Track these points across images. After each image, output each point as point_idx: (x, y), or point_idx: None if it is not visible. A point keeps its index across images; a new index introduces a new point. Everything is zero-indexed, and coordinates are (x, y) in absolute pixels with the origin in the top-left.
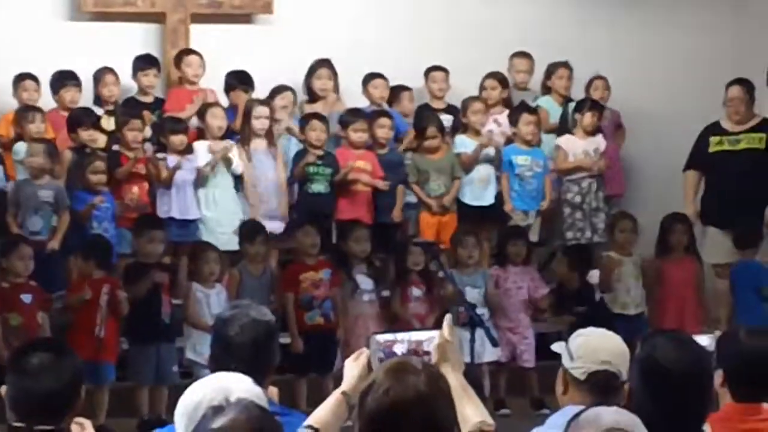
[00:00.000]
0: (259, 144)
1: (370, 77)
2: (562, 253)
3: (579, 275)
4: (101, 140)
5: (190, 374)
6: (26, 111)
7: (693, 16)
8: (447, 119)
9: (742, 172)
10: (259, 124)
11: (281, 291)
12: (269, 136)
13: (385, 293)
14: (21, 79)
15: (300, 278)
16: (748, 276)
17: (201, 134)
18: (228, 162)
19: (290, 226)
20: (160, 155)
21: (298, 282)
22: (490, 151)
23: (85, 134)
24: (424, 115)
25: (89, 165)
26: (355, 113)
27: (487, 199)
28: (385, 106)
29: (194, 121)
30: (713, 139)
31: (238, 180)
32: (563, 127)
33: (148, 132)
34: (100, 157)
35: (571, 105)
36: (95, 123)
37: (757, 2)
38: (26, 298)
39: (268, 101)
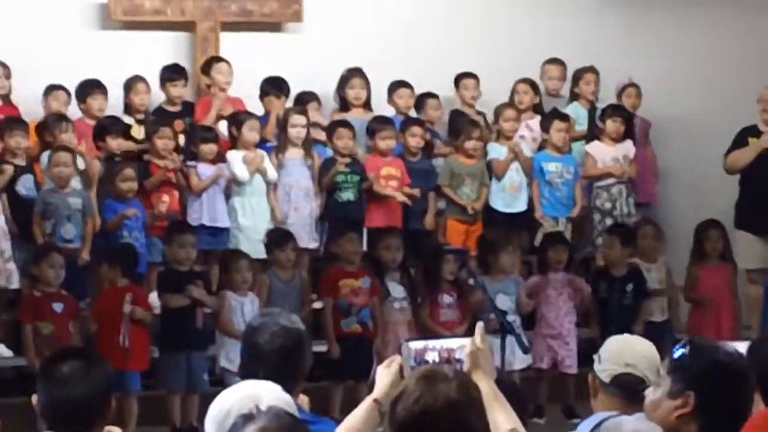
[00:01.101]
0: (294, 153)
1: (395, 86)
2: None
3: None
4: (128, 148)
5: (221, 382)
6: (58, 120)
7: (726, 21)
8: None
9: None
10: (295, 132)
11: (321, 294)
12: (305, 145)
13: (417, 301)
14: (52, 89)
15: (339, 284)
16: None
17: (233, 141)
18: (263, 171)
19: (321, 235)
20: (190, 163)
21: (338, 288)
22: (527, 151)
23: (114, 143)
24: (465, 119)
25: (119, 173)
26: (382, 121)
27: (519, 206)
28: (413, 114)
29: (223, 128)
30: (751, 141)
31: (269, 188)
32: (591, 134)
33: (180, 140)
34: (130, 165)
35: (598, 112)
36: (124, 131)
37: None
38: (58, 307)
39: (304, 109)
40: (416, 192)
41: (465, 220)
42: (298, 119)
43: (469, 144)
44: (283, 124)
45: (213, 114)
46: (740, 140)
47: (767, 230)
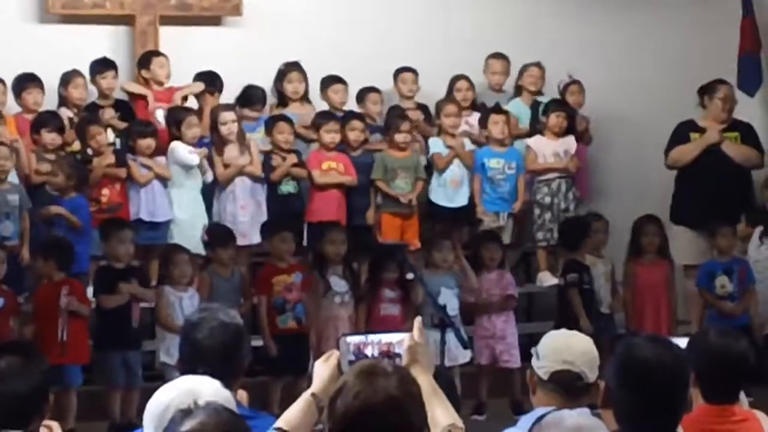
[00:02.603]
0: (231, 150)
1: (329, 81)
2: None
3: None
4: (74, 145)
5: (161, 377)
6: None
7: (667, 15)
8: (417, 115)
9: (720, 171)
10: (226, 129)
11: (254, 293)
12: (240, 137)
13: (358, 295)
14: None
15: (273, 281)
16: None
17: (173, 139)
18: (202, 168)
19: (262, 228)
20: (131, 157)
21: (271, 285)
22: (468, 145)
23: (48, 137)
24: (395, 113)
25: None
26: (326, 115)
27: (460, 200)
28: (354, 109)
29: (160, 117)
30: (693, 136)
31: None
32: (533, 128)
33: (110, 136)
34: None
35: (541, 107)
36: (60, 127)
37: (726, 3)
38: None
39: (232, 105)
40: (352, 179)
41: (399, 212)
42: (227, 116)
43: (399, 137)
44: (213, 124)
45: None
46: (679, 135)
47: (706, 225)
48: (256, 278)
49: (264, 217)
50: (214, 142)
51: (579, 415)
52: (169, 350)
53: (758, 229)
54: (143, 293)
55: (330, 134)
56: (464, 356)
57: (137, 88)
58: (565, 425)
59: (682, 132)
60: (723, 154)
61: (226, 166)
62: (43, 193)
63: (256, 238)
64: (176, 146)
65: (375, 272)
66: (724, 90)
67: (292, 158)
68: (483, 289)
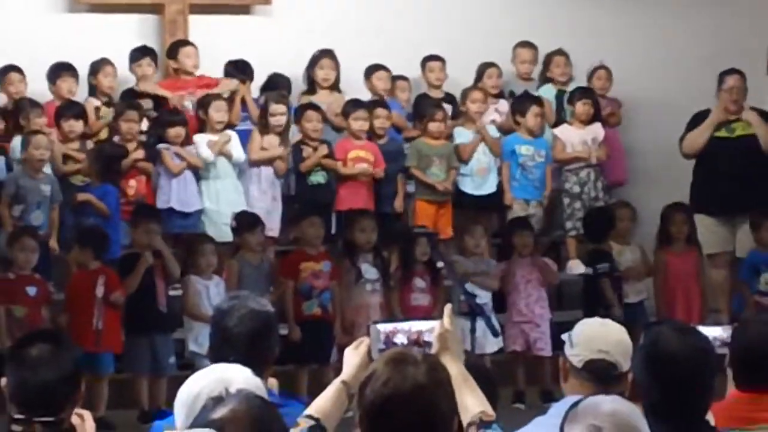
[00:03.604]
0: (273, 138)
1: (373, 69)
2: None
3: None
4: (104, 132)
5: (191, 365)
6: (32, 105)
7: (696, 4)
8: (446, 108)
9: (738, 158)
10: (276, 121)
11: (281, 277)
12: (285, 129)
13: (390, 283)
14: (5, 72)
15: (300, 267)
16: None
17: (201, 124)
18: (228, 155)
19: (290, 217)
20: (162, 146)
21: (298, 271)
22: (494, 133)
23: (66, 125)
24: (428, 101)
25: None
26: (355, 103)
27: (488, 188)
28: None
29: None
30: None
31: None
32: (559, 117)
33: (144, 125)
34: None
35: (565, 96)
36: (79, 114)
37: None
38: (31, 290)
39: (285, 97)
40: (380, 171)
41: (435, 200)
42: (278, 108)
43: (433, 126)
44: (263, 111)
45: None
46: (694, 124)
47: (724, 213)
48: (282, 263)
49: (278, 212)
50: (258, 124)
51: (614, 401)
52: (197, 339)
53: None
54: (161, 270)
55: (359, 122)
56: (493, 345)
57: (154, 89)
58: (600, 410)
59: (698, 121)
60: (740, 140)
61: (264, 149)
62: (68, 183)
63: (275, 231)
64: (198, 140)
65: (405, 260)
66: (729, 81)
67: (324, 149)
68: (517, 275)
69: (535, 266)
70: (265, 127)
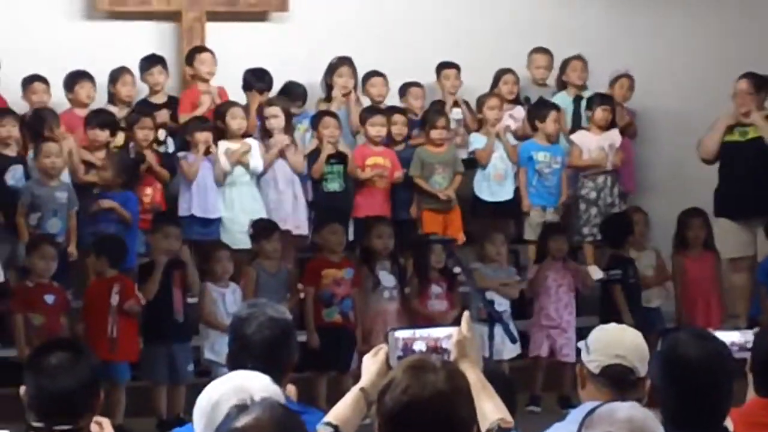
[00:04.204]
0: (280, 140)
1: (368, 75)
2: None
3: None
4: (119, 139)
5: (208, 373)
6: (52, 114)
7: (718, 10)
8: (457, 112)
9: (751, 161)
10: (269, 124)
11: (303, 284)
12: (288, 131)
13: (407, 290)
14: (30, 81)
15: (322, 274)
16: None
17: (220, 133)
18: (244, 163)
19: (309, 225)
20: (180, 154)
21: (320, 277)
22: (510, 139)
23: (91, 133)
24: (432, 108)
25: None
26: (372, 110)
27: (505, 195)
28: (396, 103)
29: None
30: (726, 130)
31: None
32: (576, 123)
33: (161, 134)
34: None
35: (583, 102)
36: (101, 122)
37: None
38: (49, 298)
39: (275, 99)
40: (400, 174)
41: (439, 208)
42: (271, 110)
43: (435, 133)
44: (260, 117)
45: (205, 107)
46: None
47: (746, 216)
48: (304, 269)
49: (302, 211)
50: (261, 135)
51: (630, 408)
52: (213, 347)
53: None
54: (190, 272)
55: (375, 128)
56: (511, 351)
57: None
58: (617, 417)
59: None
60: (753, 142)
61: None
62: (89, 191)
63: (302, 228)
64: (218, 146)
65: (421, 267)
66: (737, 85)
67: (329, 148)
68: (549, 278)
69: (568, 270)
70: (265, 132)
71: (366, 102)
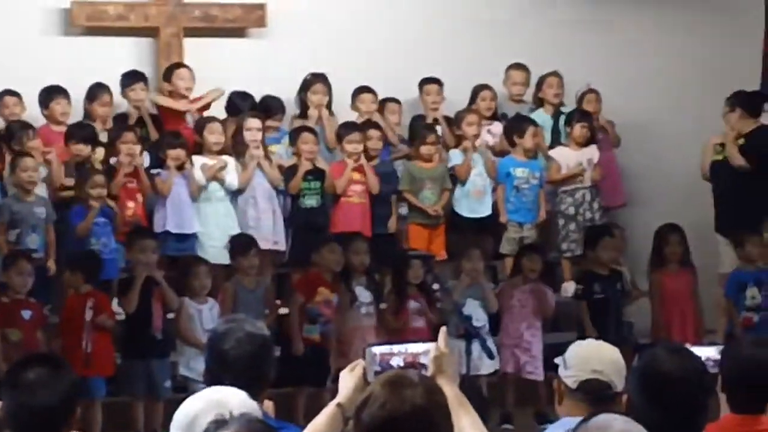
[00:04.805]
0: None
1: (358, 91)
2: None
3: None
4: (99, 155)
5: (185, 389)
6: (24, 128)
7: (691, 23)
8: (437, 129)
9: (729, 180)
10: (251, 136)
11: (295, 291)
12: (263, 146)
13: (383, 306)
14: (1, 96)
15: (318, 290)
16: None
17: (197, 147)
18: (220, 179)
19: (287, 240)
20: (154, 171)
21: (314, 293)
22: (482, 155)
23: (74, 148)
24: (421, 123)
25: (89, 179)
26: (349, 126)
27: (484, 210)
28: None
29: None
30: (716, 149)
31: (234, 194)
32: (555, 139)
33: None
34: (98, 172)
35: (561, 117)
36: (85, 137)
37: (749, 9)
38: (26, 314)
39: (259, 114)
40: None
41: (427, 224)
42: (253, 123)
43: (424, 149)
44: (238, 129)
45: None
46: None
47: (732, 235)
48: (299, 281)
49: (281, 226)
50: (236, 149)
51: (625, 422)
52: (189, 363)
53: None
54: (166, 293)
55: (352, 144)
56: (489, 367)
57: (166, 101)
58: (612, 430)
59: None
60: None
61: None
62: (68, 206)
63: (281, 244)
64: (194, 160)
65: (399, 283)
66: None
67: (306, 165)
68: (514, 298)
69: (533, 294)
70: (243, 148)
71: (342, 118)
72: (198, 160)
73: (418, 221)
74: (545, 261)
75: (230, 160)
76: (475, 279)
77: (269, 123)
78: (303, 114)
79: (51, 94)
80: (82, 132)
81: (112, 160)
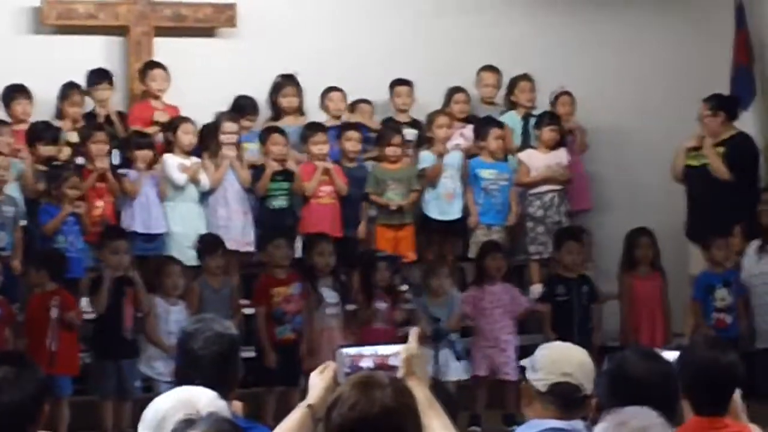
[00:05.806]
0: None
1: (327, 90)
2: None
3: None
4: (65, 153)
5: (152, 388)
6: None
7: (661, 26)
8: (412, 133)
9: (701, 186)
10: (226, 138)
11: (252, 304)
12: (237, 147)
13: (350, 307)
14: None
15: (272, 292)
16: None
17: (169, 146)
18: (197, 181)
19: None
20: (122, 171)
21: (270, 296)
22: (455, 158)
23: (44, 149)
24: (386, 125)
25: (66, 180)
26: (314, 127)
27: (454, 213)
28: (345, 118)
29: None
30: (689, 154)
31: (205, 194)
32: (525, 142)
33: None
34: (74, 173)
35: (532, 120)
36: (54, 138)
37: (718, 16)
38: None
39: (236, 116)
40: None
41: (393, 224)
42: (229, 126)
43: (389, 150)
44: (213, 129)
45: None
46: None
47: (701, 238)
48: (254, 289)
49: (251, 227)
50: (209, 148)
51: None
52: (150, 362)
53: (755, 243)
54: (131, 294)
55: (317, 146)
56: (458, 369)
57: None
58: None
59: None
60: (705, 168)
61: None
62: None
63: (249, 245)
64: (167, 160)
65: (366, 284)
66: (700, 108)
67: (274, 165)
68: (485, 300)
69: (506, 294)
70: (216, 148)
71: (313, 119)
72: (172, 159)
73: (383, 222)
74: (511, 262)
75: (199, 161)
76: (443, 295)
77: (243, 123)
78: (276, 117)
79: (12, 93)
80: (46, 133)
81: (80, 160)
